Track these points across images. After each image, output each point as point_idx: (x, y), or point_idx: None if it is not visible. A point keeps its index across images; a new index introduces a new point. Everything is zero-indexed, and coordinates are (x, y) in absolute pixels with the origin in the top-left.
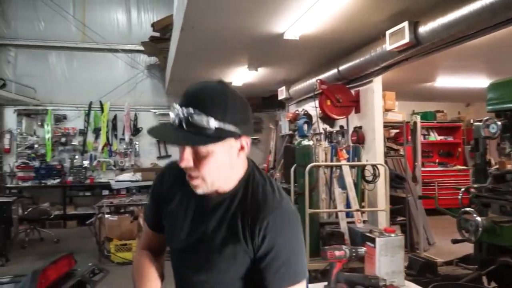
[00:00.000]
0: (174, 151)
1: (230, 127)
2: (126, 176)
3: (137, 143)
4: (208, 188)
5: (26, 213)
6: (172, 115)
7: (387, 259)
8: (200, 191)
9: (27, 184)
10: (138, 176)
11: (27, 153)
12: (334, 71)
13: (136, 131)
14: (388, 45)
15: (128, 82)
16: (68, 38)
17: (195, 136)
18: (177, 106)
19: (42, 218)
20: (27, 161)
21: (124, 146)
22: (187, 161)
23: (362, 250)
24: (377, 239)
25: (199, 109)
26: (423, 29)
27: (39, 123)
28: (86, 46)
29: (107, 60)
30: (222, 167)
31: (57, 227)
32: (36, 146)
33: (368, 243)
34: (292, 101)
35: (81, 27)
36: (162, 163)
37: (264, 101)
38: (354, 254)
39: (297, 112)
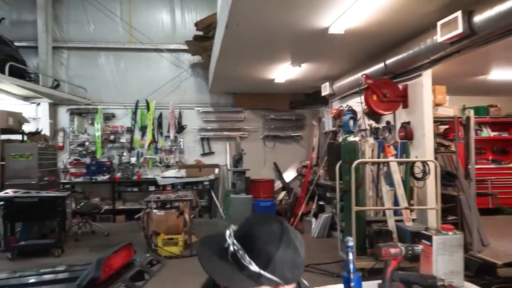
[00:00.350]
0: (217, 149)
1: (270, 276)
2: (171, 172)
3: (181, 140)
4: None
5: (78, 207)
6: (226, 236)
7: (445, 258)
8: None
9: (79, 180)
10: (183, 172)
11: (78, 150)
12: (381, 65)
13: (180, 128)
14: (439, 37)
15: (173, 81)
16: (116, 39)
17: (232, 273)
18: (232, 233)
19: (93, 212)
20: (78, 157)
21: (169, 143)
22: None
23: (419, 248)
24: (434, 237)
25: (246, 249)
26: (479, 18)
27: (90, 122)
28: (133, 47)
29: (153, 59)
30: None
31: (107, 221)
32: (87, 143)
33: (424, 241)
34: (336, 97)
35: (128, 28)
36: (206, 160)
37: (306, 98)
38: (410, 252)
39: (341, 108)
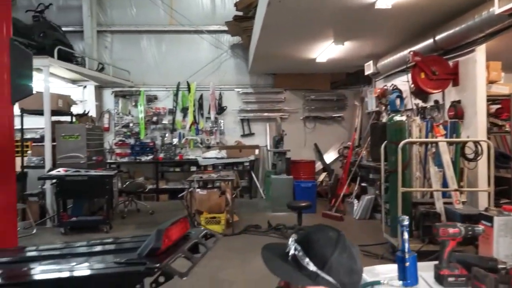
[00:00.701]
0: (257, 130)
1: (326, 277)
2: (212, 153)
3: (222, 121)
4: None
5: (124, 186)
6: (289, 242)
7: (506, 240)
8: None
9: (124, 160)
10: (223, 153)
11: (123, 131)
12: (430, 41)
13: (220, 110)
14: (497, 8)
15: (213, 62)
16: (157, 22)
17: (292, 271)
18: (294, 238)
19: (138, 191)
20: (123, 138)
21: (210, 124)
22: (282, 284)
23: (479, 228)
24: (496, 218)
25: (304, 250)
26: None
27: (133, 104)
28: (173, 29)
29: (193, 41)
30: None
31: (150, 200)
32: (131, 124)
33: (484, 222)
34: (380, 76)
35: (169, 10)
36: (246, 141)
37: (348, 77)
38: (470, 232)
39: (385, 87)
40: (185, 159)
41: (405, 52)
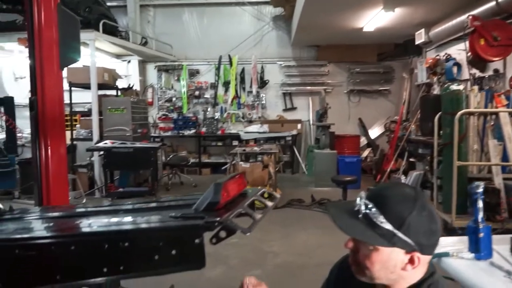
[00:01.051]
0: (299, 104)
1: (404, 237)
2: (253, 127)
3: (263, 95)
4: (367, 279)
5: (168, 159)
6: (357, 200)
7: None
8: (358, 277)
9: (167, 134)
10: (265, 127)
11: (166, 105)
12: (491, 4)
13: (262, 83)
14: None
15: (255, 35)
16: None
17: (364, 230)
18: (363, 196)
19: (182, 164)
20: (166, 113)
21: (252, 98)
22: (353, 243)
23: None
24: None
25: (378, 207)
26: None
27: (176, 78)
28: (215, 1)
29: (235, 14)
30: (384, 269)
31: (193, 174)
32: (174, 99)
33: None
34: (431, 46)
35: None
36: (288, 115)
37: (396, 49)
38: None
39: (437, 57)
40: (227, 133)
41: (463, 17)
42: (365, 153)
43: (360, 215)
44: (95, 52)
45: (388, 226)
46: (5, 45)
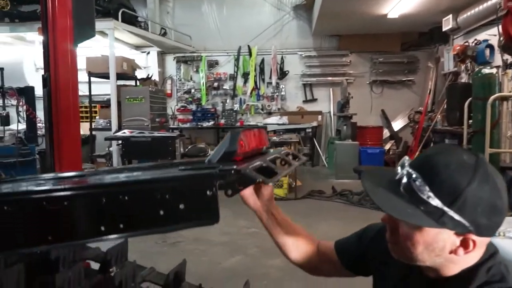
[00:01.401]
0: (319, 95)
1: (457, 217)
2: (273, 119)
3: (283, 86)
4: (407, 260)
5: (186, 150)
6: (398, 169)
7: None
8: (395, 257)
9: (185, 126)
10: (285, 119)
11: (185, 97)
12: None
13: (282, 74)
14: None
15: (275, 25)
16: None
17: (406, 206)
18: (406, 163)
19: (200, 155)
20: (185, 104)
21: (271, 90)
22: (392, 219)
23: None
24: None
25: (425, 178)
26: None
27: (195, 69)
28: None
29: (255, 3)
30: (428, 251)
31: None
32: (192, 90)
33: None
34: (459, 33)
35: None
36: (308, 107)
37: (421, 38)
38: None
39: (466, 44)
40: (246, 125)
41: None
42: (388, 145)
43: (402, 188)
44: (114, 43)
45: (436, 202)
46: (27, 36)
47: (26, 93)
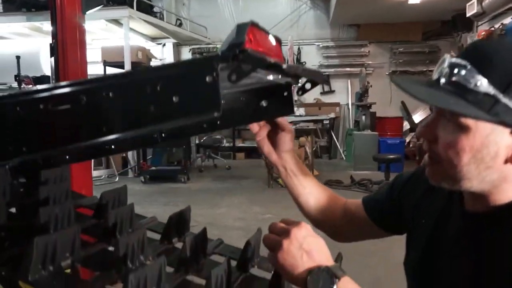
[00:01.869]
0: (337, 87)
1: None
2: None
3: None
4: (450, 183)
5: (202, 141)
6: (438, 65)
7: None
8: (434, 182)
9: None
10: (302, 111)
11: None
12: None
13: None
14: None
15: (291, 15)
16: None
17: (448, 97)
18: (448, 57)
19: (215, 145)
20: None
21: None
22: (428, 129)
23: None
24: None
25: (474, 64)
26: None
27: None
28: None
29: None
30: (476, 161)
31: (227, 158)
32: None
33: None
34: (485, 18)
35: None
36: (326, 99)
37: (443, 26)
38: None
39: (492, 29)
40: None
41: None
42: (408, 138)
43: (443, 80)
44: (130, 34)
45: (487, 88)
46: (43, 26)
47: (42, 82)
